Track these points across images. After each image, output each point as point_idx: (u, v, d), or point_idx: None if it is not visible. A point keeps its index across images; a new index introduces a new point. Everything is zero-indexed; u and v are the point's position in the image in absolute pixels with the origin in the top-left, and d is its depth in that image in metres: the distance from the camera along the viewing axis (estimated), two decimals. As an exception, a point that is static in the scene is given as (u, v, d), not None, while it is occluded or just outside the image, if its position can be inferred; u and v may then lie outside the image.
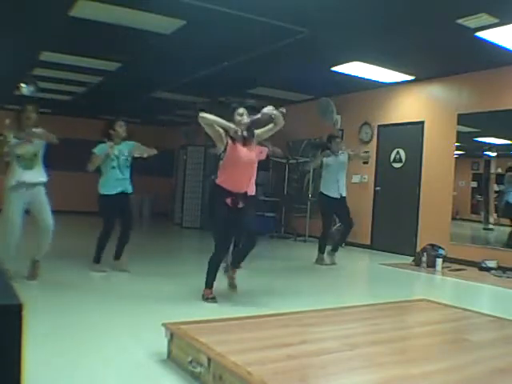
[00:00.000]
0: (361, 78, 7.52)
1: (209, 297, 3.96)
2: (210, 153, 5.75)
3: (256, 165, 4.10)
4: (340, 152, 6.50)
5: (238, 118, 3.93)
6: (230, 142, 3.88)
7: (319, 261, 6.48)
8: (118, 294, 4.21)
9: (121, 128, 5.04)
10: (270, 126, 4.02)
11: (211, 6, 4.83)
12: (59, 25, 5.69)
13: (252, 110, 4.00)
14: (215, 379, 2.16)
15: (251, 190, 4.10)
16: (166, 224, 11.53)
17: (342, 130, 8.97)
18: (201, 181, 10.67)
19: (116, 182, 4.97)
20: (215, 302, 3.92)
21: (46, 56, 7.13)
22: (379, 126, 8.41)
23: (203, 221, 10.44)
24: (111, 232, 5.08)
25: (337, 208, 6.48)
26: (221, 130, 3.87)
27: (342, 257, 6.99)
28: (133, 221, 5.33)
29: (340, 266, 6.53)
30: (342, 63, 6.84)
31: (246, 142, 3.95)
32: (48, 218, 4.53)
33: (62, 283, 4.51)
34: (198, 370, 2.27)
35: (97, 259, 5.09)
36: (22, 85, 8.17)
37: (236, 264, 4.29)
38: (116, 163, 4.96)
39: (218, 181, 3.98)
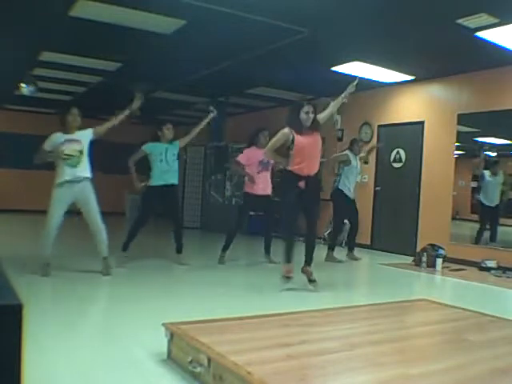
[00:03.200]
0: (361, 78, 7.49)
1: (286, 275, 4.44)
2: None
3: (320, 148, 4.62)
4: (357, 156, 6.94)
5: (303, 116, 4.39)
6: (295, 135, 4.42)
7: (329, 258, 6.70)
8: (117, 294, 4.21)
9: (168, 130, 5.66)
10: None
11: (211, 6, 4.83)
12: (59, 25, 5.69)
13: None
14: (215, 379, 2.16)
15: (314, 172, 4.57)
16: (166, 224, 11.51)
17: (342, 130, 8.97)
18: (201, 181, 10.67)
19: (162, 173, 5.50)
20: (289, 280, 4.43)
21: (46, 56, 7.12)
22: (379, 126, 8.41)
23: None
24: (143, 223, 5.56)
25: (350, 207, 6.87)
26: (284, 138, 4.48)
27: (341, 257, 6.98)
28: (178, 213, 5.90)
29: (340, 266, 6.53)
30: (342, 63, 6.83)
31: (308, 132, 4.44)
32: (96, 220, 4.80)
33: (62, 283, 4.51)
34: (198, 370, 2.27)
35: (124, 247, 5.48)
36: (22, 85, 8.17)
37: (308, 261, 4.63)
38: (164, 157, 5.53)
39: (289, 167, 4.47)
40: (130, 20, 5.38)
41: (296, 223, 4.63)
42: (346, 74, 7.33)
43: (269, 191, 6.05)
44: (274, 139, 4.58)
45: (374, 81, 7.70)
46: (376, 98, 8.39)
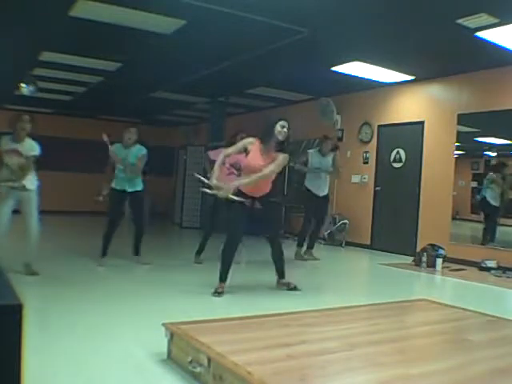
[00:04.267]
0: (361, 78, 7.52)
1: (218, 291, 4.19)
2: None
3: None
4: (328, 154, 6.81)
5: (278, 128, 4.24)
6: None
7: (298, 256, 6.66)
8: (117, 294, 4.21)
9: (127, 134, 5.37)
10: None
11: (211, 6, 4.83)
12: (59, 25, 5.69)
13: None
14: (215, 379, 2.16)
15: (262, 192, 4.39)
16: (166, 224, 11.53)
17: (342, 130, 8.97)
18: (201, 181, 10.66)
19: (120, 179, 5.35)
20: (220, 296, 4.15)
21: (46, 56, 7.13)
22: (379, 126, 8.41)
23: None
24: (113, 226, 5.39)
25: (318, 204, 6.73)
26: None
27: (341, 257, 6.99)
28: (141, 217, 5.62)
29: (340, 266, 6.53)
30: (342, 63, 6.83)
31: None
32: (33, 224, 4.70)
33: (62, 283, 4.51)
34: (198, 370, 2.27)
35: (102, 253, 5.37)
36: (22, 85, 8.18)
37: (280, 275, 4.57)
38: (123, 163, 5.30)
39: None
40: (130, 20, 5.38)
41: (239, 242, 4.45)
42: (346, 74, 7.35)
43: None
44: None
45: (374, 81, 7.71)
46: (376, 97, 8.39)
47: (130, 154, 5.35)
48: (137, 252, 5.61)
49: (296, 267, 6.14)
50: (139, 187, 5.45)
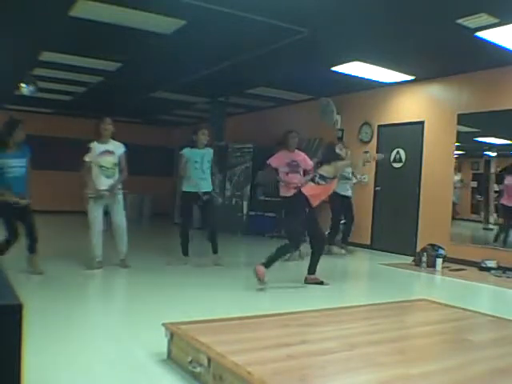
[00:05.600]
0: (361, 77, 7.51)
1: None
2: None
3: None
4: None
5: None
6: None
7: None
8: (118, 294, 4.21)
9: (203, 136, 5.74)
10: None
11: (211, 6, 4.83)
12: (59, 25, 5.68)
13: None
14: (215, 379, 2.16)
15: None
16: (166, 224, 11.52)
17: (342, 130, 8.97)
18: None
19: (199, 180, 5.65)
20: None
21: (46, 56, 7.12)
22: (379, 126, 8.40)
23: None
24: (189, 225, 5.88)
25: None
26: None
27: (342, 257, 6.99)
28: (214, 217, 5.97)
29: (340, 266, 6.53)
30: (342, 63, 6.83)
31: None
32: (121, 220, 5.15)
33: (63, 283, 4.51)
34: (198, 370, 2.27)
35: (184, 252, 5.74)
36: (22, 85, 8.18)
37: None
38: (200, 164, 5.66)
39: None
40: (130, 20, 5.38)
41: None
42: (346, 74, 7.35)
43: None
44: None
45: (374, 81, 7.70)
46: (376, 97, 8.39)
47: (205, 155, 5.70)
48: (215, 251, 5.80)
49: (297, 267, 6.15)
50: (210, 188, 5.75)
